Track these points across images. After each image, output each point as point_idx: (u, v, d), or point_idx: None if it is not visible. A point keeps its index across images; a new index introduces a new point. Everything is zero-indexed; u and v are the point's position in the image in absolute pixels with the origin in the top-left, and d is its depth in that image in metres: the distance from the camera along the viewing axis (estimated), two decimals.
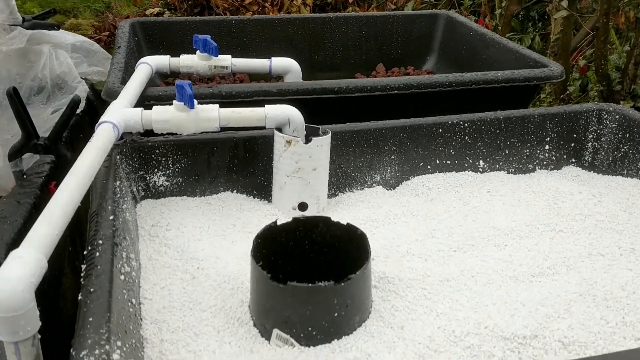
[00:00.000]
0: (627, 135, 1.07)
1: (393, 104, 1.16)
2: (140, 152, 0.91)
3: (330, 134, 0.91)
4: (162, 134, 0.90)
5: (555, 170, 1.10)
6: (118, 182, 0.80)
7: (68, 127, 1.09)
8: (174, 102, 0.87)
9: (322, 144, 0.90)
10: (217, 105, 0.88)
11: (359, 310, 0.66)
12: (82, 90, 1.31)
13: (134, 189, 0.90)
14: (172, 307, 0.70)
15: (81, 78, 1.34)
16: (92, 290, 0.56)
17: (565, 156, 1.11)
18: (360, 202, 0.98)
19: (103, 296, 0.55)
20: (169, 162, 0.92)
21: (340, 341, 0.65)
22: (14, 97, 0.93)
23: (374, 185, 1.02)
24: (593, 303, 0.72)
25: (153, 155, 0.91)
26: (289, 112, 0.89)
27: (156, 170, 0.92)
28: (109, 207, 0.71)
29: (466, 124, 1.05)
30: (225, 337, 0.66)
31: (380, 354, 0.62)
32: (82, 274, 0.60)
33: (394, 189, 1.03)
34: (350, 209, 0.95)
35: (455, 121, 1.04)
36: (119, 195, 0.77)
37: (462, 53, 1.61)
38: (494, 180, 1.04)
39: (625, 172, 1.06)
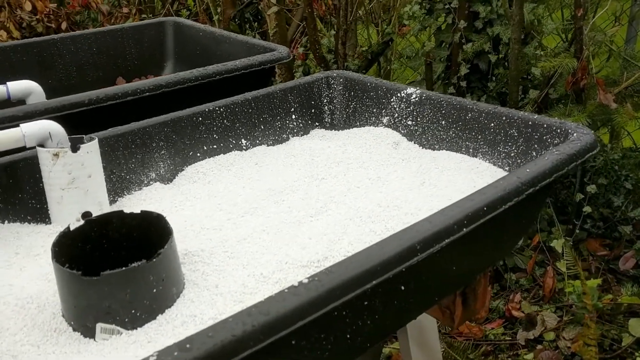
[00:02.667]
0: (352, 93, 1.27)
1: (151, 107, 1.20)
2: None
3: (97, 139, 0.92)
4: None
5: (305, 135, 1.26)
6: None
7: None
8: None
9: (92, 149, 0.90)
10: None
11: (174, 282, 0.71)
12: None
13: None
14: None
15: None
16: None
17: (309, 121, 1.27)
18: (142, 200, 1.00)
19: None
20: None
21: (165, 314, 0.69)
22: None
23: (151, 182, 1.05)
24: (361, 222, 0.87)
25: None
26: (49, 127, 0.88)
27: None
28: None
29: (222, 109, 1.14)
30: (48, 348, 0.65)
31: (205, 312, 0.68)
32: None
33: (171, 182, 1.07)
34: (135, 209, 0.97)
35: (211, 108, 1.13)
36: None
37: (197, 53, 1.70)
38: (258, 153, 1.16)
39: (358, 123, 1.27)
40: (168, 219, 0.92)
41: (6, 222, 0.91)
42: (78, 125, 1.07)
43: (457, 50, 2.23)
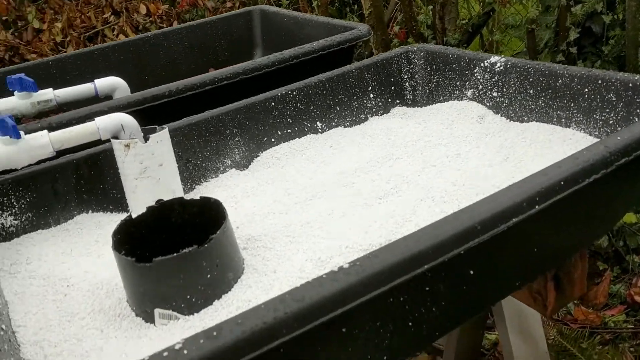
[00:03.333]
0: (434, 67, 1.20)
1: (228, 95, 1.21)
2: None
3: (167, 128, 0.94)
4: None
5: (385, 114, 1.21)
6: None
7: None
8: None
9: (161, 138, 0.92)
10: (46, 131, 0.88)
11: (230, 268, 0.70)
12: None
13: None
14: (50, 325, 0.69)
15: None
16: None
17: (389, 99, 1.22)
18: (217, 187, 1.01)
19: None
20: (12, 200, 0.90)
21: (221, 300, 0.68)
22: None
23: (227, 169, 1.06)
24: (433, 202, 0.81)
25: None
26: (121, 119, 0.91)
27: (0, 212, 0.89)
28: None
29: (295, 92, 1.12)
30: (110, 332, 0.66)
31: (259, 297, 0.67)
32: None
33: (246, 168, 1.08)
34: (209, 195, 0.98)
35: (284, 92, 1.11)
36: None
37: (283, 39, 1.70)
38: (333, 136, 1.13)
39: (441, 98, 1.19)
40: (239, 204, 0.93)
41: (90, 212, 0.95)
42: (160, 116, 1.10)
43: (565, 14, 2.04)
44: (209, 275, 0.66)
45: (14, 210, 0.90)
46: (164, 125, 0.95)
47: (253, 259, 0.75)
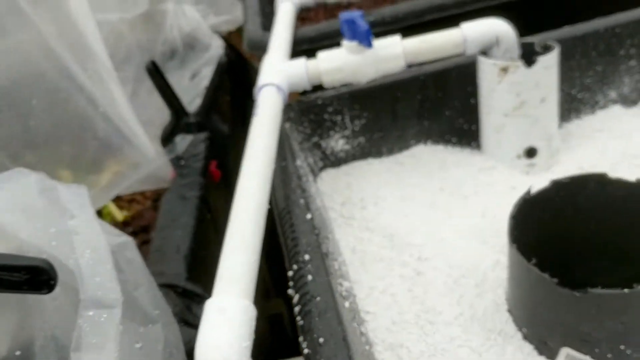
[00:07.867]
0: None
1: None
2: (310, 113, 0.73)
3: (556, 49, 0.66)
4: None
5: None
6: (299, 162, 0.63)
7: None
8: (344, 42, 0.67)
9: (550, 64, 0.65)
10: (399, 37, 0.67)
11: None
12: (217, 47, 1.16)
13: (310, 161, 0.73)
14: (404, 321, 0.52)
15: (213, 32, 1.19)
16: (321, 341, 0.39)
17: None
18: (597, 132, 0.73)
19: (340, 350, 0.38)
20: (346, 120, 0.73)
21: None
22: (155, 72, 0.79)
23: (609, 105, 0.77)
24: None
25: (326, 115, 0.73)
26: (496, 28, 0.66)
27: (332, 132, 0.74)
28: (301, 201, 0.54)
29: None
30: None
31: None
32: (296, 305, 0.44)
33: (636, 104, 0.77)
34: (587, 145, 0.71)
35: None
36: (304, 179, 0.60)
37: None
38: None
39: None
40: None
41: (429, 143, 0.76)
42: (519, 15, 0.82)
43: None
44: None
45: (346, 133, 0.74)
46: (550, 42, 0.68)
47: None
